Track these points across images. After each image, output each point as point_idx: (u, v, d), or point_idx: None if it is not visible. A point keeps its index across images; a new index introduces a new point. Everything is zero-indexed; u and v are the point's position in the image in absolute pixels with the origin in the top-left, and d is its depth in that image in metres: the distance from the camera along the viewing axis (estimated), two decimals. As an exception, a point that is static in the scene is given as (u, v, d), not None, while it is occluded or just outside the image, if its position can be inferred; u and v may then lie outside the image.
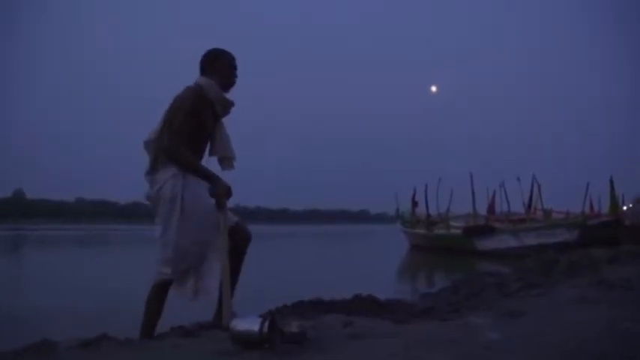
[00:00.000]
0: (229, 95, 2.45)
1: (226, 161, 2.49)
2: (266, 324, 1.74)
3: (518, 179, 15.44)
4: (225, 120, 2.49)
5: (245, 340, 1.76)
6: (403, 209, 19.40)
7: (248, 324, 1.77)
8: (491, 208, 16.74)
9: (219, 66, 2.41)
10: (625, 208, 17.33)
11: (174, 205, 2.25)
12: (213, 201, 2.25)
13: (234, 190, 2.32)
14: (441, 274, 8.46)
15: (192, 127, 2.28)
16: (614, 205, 14.31)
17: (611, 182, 14.06)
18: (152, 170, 2.33)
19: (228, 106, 2.43)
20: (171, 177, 2.25)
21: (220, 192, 2.22)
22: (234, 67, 2.46)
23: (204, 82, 2.35)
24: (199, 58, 2.46)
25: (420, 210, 18.10)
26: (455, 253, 13.28)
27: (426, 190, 17.30)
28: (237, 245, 2.37)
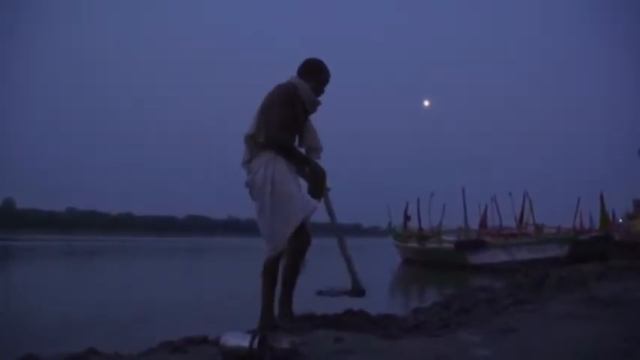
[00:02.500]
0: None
1: (313, 152, 2.77)
2: (256, 340, 1.73)
3: (510, 194, 15.57)
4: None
5: (235, 356, 1.75)
6: (395, 223, 19.43)
7: (238, 339, 1.76)
8: (483, 223, 16.82)
9: (317, 78, 2.73)
10: (620, 220, 17.50)
11: (264, 189, 2.49)
12: (299, 185, 2.56)
13: None
14: (433, 289, 8.45)
15: (286, 120, 2.57)
16: (605, 220, 14.44)
17: (602, 198, 14.21)
18: (249, 159, 2.60)
19: (316, 105, 2.75)
20: (264, 164, 2.52)
21: (317, 174, 2.53)
22: (327, 83, 2.79)
23: (298, 82, 2.68)
24: (300, 62, 2.76)
25: (413, 224, 18.14)
26: (447, 268, 13.28)
27: (418, 205, 17.37)
28: (295, 247, 2.52)
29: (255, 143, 2.59)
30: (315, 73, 2.74)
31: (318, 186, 2.58)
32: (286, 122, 2.57)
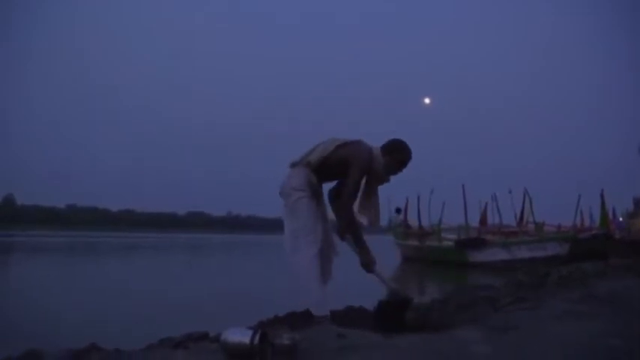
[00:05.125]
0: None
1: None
2: (257, 336, 1.74)
3: (510, 192, 15.57)
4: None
5: (236, 352, 1.76)
6: (395, 220, 19.36)
7: (239, 336, 1.77)
8: (483, 221, 16.80)
9: (394, 155, 2.83)
10: (621, 219, 17.49)
11: (289, 203, 2.81)
12: (315, 217, 2.80)
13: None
14: (433, 286, 8.46)
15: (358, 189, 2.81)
16: (605, 218, 14.44)
17: (602, 196, 14.19)
18: (294, 164, 2.88)
19: (382, 182, 2.91)
20: (303, 191, 2.80)
21: (366, 263, 2.78)
22: (404, 165, 2.88)
23: (376, 154, 2.82)
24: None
25: (412, 221, 18.09)
26: (447, 265, 13.29)
27: (418, 202, 17.34)
28: None
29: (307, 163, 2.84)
30: (393, 151, 2.83)
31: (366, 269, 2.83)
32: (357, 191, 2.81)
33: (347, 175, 2.78)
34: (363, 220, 2.92)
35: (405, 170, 2.93)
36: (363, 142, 2.86)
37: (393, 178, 2.93)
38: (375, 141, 2.91)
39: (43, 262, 13.45)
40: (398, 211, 18.27)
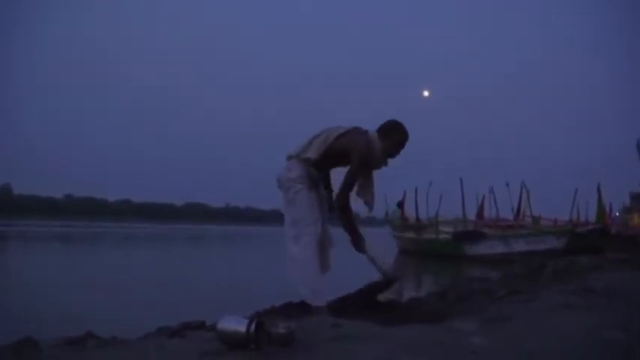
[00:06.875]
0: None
1: (366, 206, 2.99)
2: (253, 325, 1.74)
3: (507, 185, 15.60)
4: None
5: (232, 341, 1.76)
6: (392, 213, 19.35)
7: (235, 324, 1.77)
8: (480, 214, 16.84)
9: (392, 137, 2.83)
10: (617, 213, 17.57)
11: (289, 195, 2.80)
12: (315, 208, 2.81)
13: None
14: (430, 279, 8.50)
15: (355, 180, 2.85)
16: (601, 213, 14.49)
17: (599, 190, 14.25)
18: (289, 157, 2.85)
19: (380, 166, 2.89)
20: (302, 183, 2.80)
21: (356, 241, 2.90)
22: (402, 146, 2.88)
23: (374, 139, 2.80)
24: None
25: (409, 213, 18.12)
26: (444, 258, 13.33)
27: (416, 194, 17.37)
28: None
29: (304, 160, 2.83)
30: (391, 133, 2.83)
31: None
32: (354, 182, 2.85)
33: (349, 164, 2.82)
34: (360, 202, 2.93)
35: (402, 166, 3.00)
36: (360, 130, 2.86)
37: (391, 161, 2.93)
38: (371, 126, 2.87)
39: (41, 252, 13.45)
40: (399, 205, 18.26)
